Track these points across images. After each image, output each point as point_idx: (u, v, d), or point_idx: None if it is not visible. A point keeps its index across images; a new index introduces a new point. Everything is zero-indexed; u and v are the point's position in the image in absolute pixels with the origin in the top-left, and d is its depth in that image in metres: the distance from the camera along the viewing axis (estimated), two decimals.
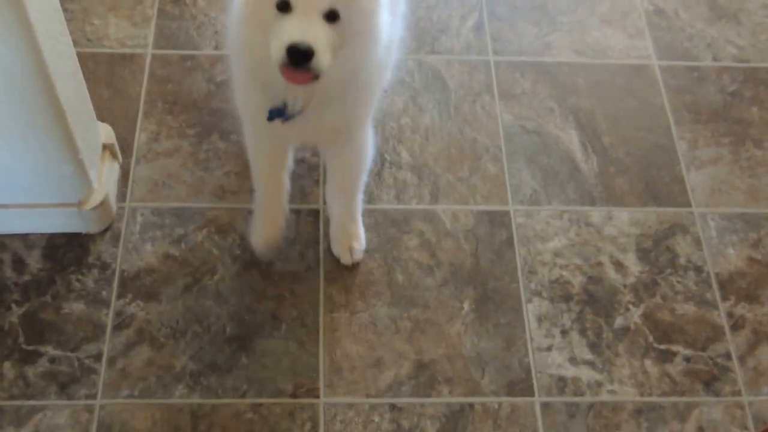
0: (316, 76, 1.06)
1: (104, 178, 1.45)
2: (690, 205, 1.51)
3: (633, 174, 1.54)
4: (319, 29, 1.04)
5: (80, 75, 1.35)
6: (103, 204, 1.43)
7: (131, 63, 1.65)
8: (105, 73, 1.63)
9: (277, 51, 1.03)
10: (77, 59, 1.33)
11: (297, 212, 1.47)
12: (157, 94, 1.61)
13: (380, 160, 1.54)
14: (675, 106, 1.64)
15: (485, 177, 1.53)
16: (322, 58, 1.03)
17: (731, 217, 1.50)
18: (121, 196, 1.48)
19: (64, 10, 1.23)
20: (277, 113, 1.15)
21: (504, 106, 1.62)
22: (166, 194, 1.49)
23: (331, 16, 1.04)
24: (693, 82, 1.67)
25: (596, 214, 1.49)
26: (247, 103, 1.25)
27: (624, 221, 1.48)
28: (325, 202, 1.46)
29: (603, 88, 1.66)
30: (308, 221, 1.47)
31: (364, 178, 1.39)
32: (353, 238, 1.41)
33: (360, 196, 1.41)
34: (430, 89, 1.64)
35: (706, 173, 1.55)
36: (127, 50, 1.66)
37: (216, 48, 1.67)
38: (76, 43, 1.32)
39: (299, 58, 1.02)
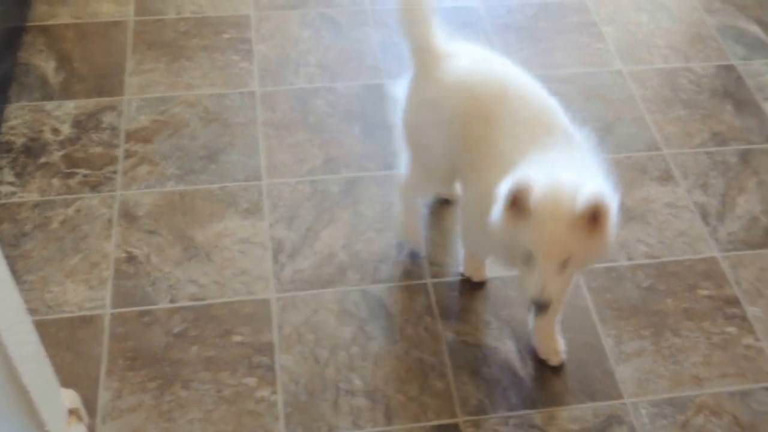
0: None
1: None
2: (622, 397, 1.83)
3: (568, 373, 1.87)
4: (555, 280, 1.49)
5: (43, 354, 1.56)
6: None
7: (91, 324, 1.96)
8: (66, 337, 1.93)
9: (526, 293, 1.54)
10: (36, 332, 1.53)
11: None
12: (117, 351, 1.92)
13: (335, 390, 1.84)
14: (599, 306, 2.00)
15: (434, 393, 1.83)
16: (557, 304, 1.74)
17: (660, 404, 1.82)
18: None
19: (23, 282, 1.54)
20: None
21: (445, 324, 1.98)
22: None
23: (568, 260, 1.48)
24: (612, 281, 2.05)
25: (539, 416, 1.79)
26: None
27: (564, 419, 1.78)
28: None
29: None
30: None
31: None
32: (556, 344, 1.91)
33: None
34: (375, 317, 1.98)
35: (632, 365, 1.88)
36: (86, 312, 1.98)
37: (171, 301, 2.01)
38: (36, 312, 1.63)
39: (541, 306, 1.52)
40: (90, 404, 1.80)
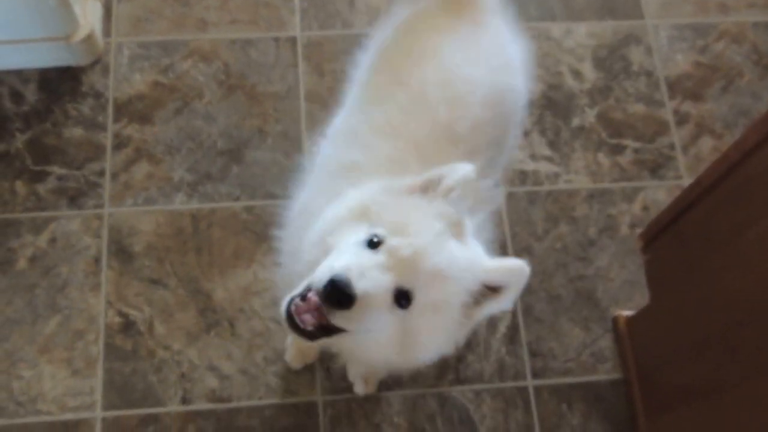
0: (327, 330, 0.92)
1: (88, 13, 1.69)
2: (643, 18, 1.80)
3: None
4: (385, 279, 0.90)
5: None
6: (90, 37, 1.68)
7: None
8: None
9: (321, 272, 0.89)
10: None
11: (276, 39, 1.76)
12: None
13: None
14: None
15: None
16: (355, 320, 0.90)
17: (681, 27, 1.80)
18: (106, 32, 1.73)
19: None
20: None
21: None
22: (150, 29, 1.74)
23: (402, 299, 0.91)
24: None
25: (556, 28, 1.77)
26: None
27: (582, 34, 1.76)
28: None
29: None
30: (287, 47, 1.76)
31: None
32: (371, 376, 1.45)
33: None
34: None
35: None
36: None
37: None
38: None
39: (335, 295, 0.87)
40: None
